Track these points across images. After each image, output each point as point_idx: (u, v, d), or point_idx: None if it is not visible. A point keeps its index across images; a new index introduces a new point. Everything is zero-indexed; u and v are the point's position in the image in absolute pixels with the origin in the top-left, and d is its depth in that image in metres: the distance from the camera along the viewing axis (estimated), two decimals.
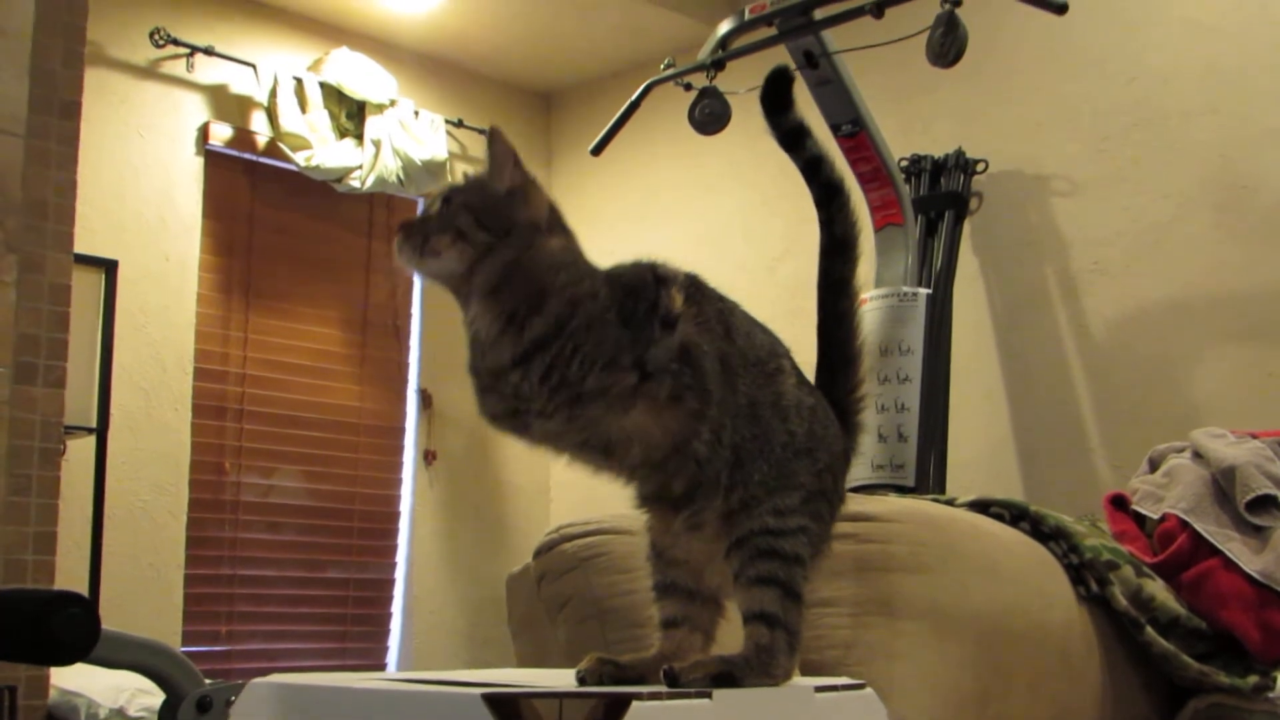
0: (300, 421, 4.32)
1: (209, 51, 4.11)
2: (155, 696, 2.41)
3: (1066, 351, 3.52)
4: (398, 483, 4.59)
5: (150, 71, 4.06)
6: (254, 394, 4.21)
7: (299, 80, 4.22)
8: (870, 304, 3.26)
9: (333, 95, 4.30)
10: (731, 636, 1.22)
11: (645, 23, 4.42)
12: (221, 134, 4.18)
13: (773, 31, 3.16)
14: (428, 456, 4.58)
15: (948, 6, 2.81)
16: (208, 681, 1.55)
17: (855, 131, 3.27)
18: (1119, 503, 2.48)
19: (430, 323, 4.64)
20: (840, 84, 3.20)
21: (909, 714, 1.68)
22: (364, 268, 4.55)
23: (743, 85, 3.13)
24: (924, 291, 3.28)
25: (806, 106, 3.13)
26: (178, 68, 4.09)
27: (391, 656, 4.52)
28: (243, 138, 4.23)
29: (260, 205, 4.31)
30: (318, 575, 4.35)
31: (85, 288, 3.49)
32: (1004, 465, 3.59)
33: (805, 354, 1.33)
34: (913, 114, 3.83)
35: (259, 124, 4.24)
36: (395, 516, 4.57)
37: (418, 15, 4.44)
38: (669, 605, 1.26)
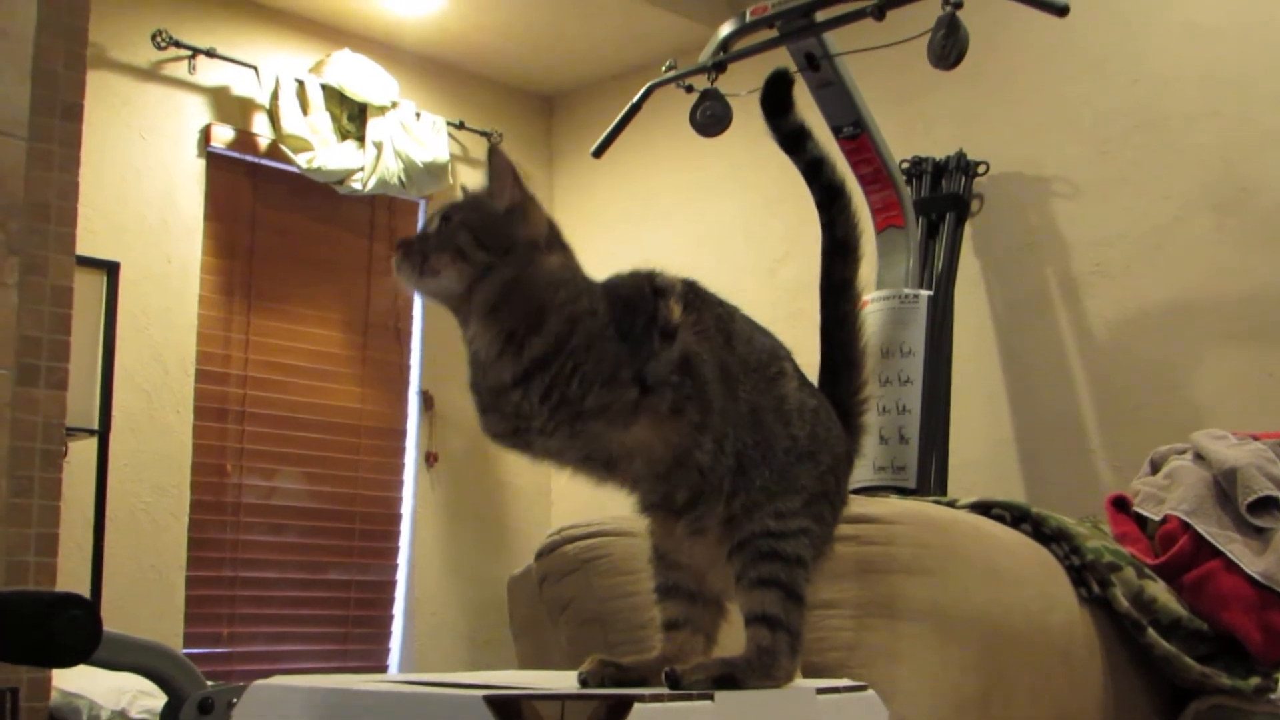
0: (302, 423, 4.32)
1: (211, 54, 4.12)
2: (157, 698, 2.41)
3: (1068, 353, 3.52)
4: (399, 484, 4.59)
5: (152, 74, 4.06)
6: (256, 396, 4.21)
7: (301, 82, 4.23)
8: (871, 306, 3.26)
9: (334, 97, 4.30)
10: (734, 639, 1.22)
11: (647, 25, 4.43)
12: (223, 136, 4.18)
13: (774, 33, 3.16)
14: (429, 458, 4.58)
15: (949, 9, 2.81)
16: (209, 683, 1.55)
17: (856, 133, 3.27)
18: (1120, 504, 2.48)
19: (431, 325, 4.64)
20: (841, 86, 3.20)
21: (911, 716, 1.68)
22: (365, 270, 4.55)
23: (744, 87, 3.13)
24: (925, 293, 3.28)
25: (808, 108, 3.13)
26: (179, 70, 4.10)
27: (393, 658, 4.52)
28: (244, 140, 4.23)
29: (262, 207, 4.31)
30: (319, 577, 4.35)
31: (87, 290, 3.49)
32: (1005, 467, 3.59)
33: (807, 356, 1.33)
34: (914, 116, 3.83)
35: (261, 126, 4.25)
36: (397, 518, 4.57)
37: (419, 17, 4.44)
38: (671, 607, 1.26)
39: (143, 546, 3.85)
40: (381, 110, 4.39)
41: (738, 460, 1.19)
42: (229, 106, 4.21)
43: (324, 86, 4.27)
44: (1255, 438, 2.50)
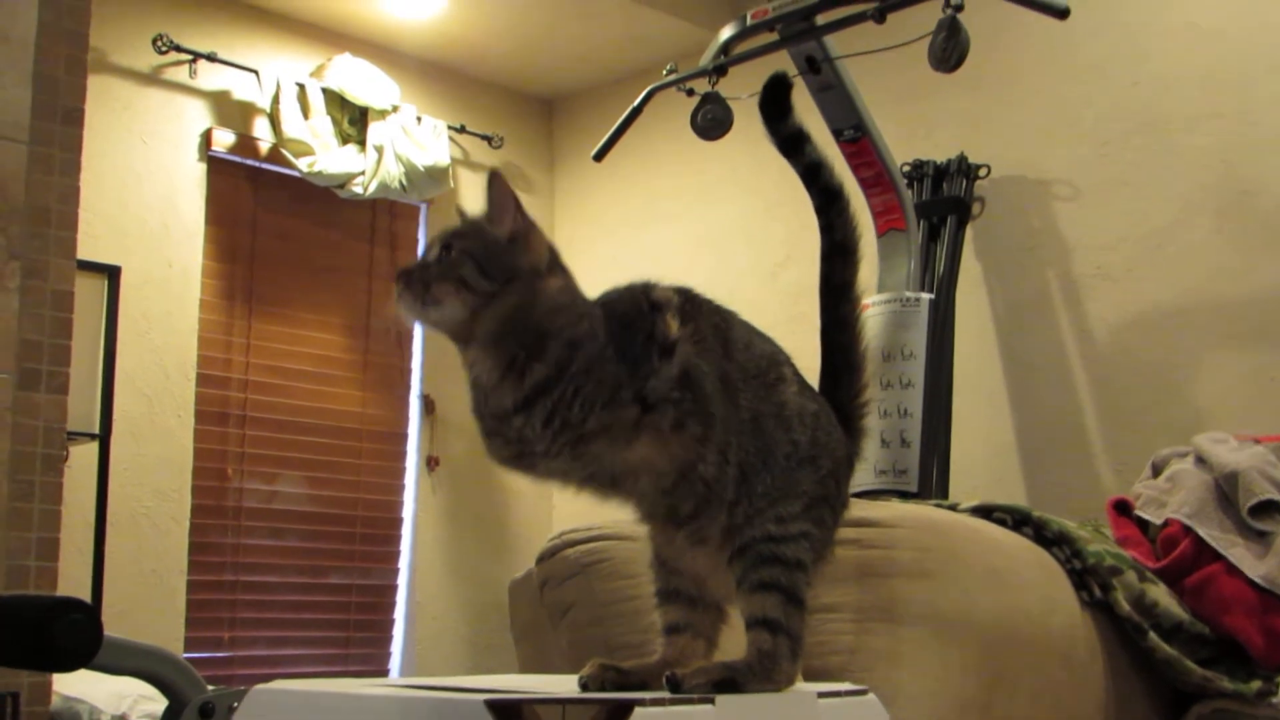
0: (303, 427, 4.32)
1: (212, 58, 4.12)
2: (158, 703, 2.41)
3: (1069, 356, 3.52)
4: (400, 488, 4.59)
5: (153, 78, 4.06)
6: (256, 400, 4.21)
7: (301, 86, 4.23)
8: (873, 309, 3.26)
9: (335, 101, 4.31)
10: (735, 643, 1.22)
11: (647, 28, 4.43)
12: (224, 140, 4.19)
13: (775, 37, 3.16)
14: (430, 462, 4.58)
15: (950, 11, 2.81)
16: (210, 688, 1.55)
17: (857, 137, 3.27)
18: (1122, 508, 2.48)
19: None
20: (842, 89, 3.20)
21: (912, 719, 1.68)
22: (366, 273, 4.55)
23: (745, 91, 3.13)
24: (926, 296, 3.28)
25: (809, 112, 3.13)
26: (180, 74, 4.10)
27: (394, 662, 4.51)
28: (245, 144, 4.24)
29: (263, 211, 4.31)
30: (320, 581, 4.35)
31: (88, 294, 3.48)
32: (1007, 470, 3.58)
33: (808, 360, 1.33)
34: (915, 119, 3.83)
35: (262, 130, 4.25)
36: (398, 522, 4.57)
37: (420, 21, 4.44)
38: (671, 611, 1.26)
39: (144, 551, 3.85)
40: (382, 114, 4.39)
41: (740, 468, 1.19)
42: (230, 111, 4.22)
43: (325, 90, 4.28)
44: (1257, 441, 2.50)
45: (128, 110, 3.99)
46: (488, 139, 4.81)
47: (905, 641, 1.73)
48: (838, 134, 3.26)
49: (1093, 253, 3.51)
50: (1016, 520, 2.21)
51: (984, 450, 3.60)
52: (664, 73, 3.44)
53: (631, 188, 4.74)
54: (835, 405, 1.31)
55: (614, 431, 1.16)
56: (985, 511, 2.23)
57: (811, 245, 1.36)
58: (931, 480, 3.18)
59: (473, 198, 4.75)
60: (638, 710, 0.99)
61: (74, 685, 2.93)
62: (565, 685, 1.19)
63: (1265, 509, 2.29)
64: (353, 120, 4.35)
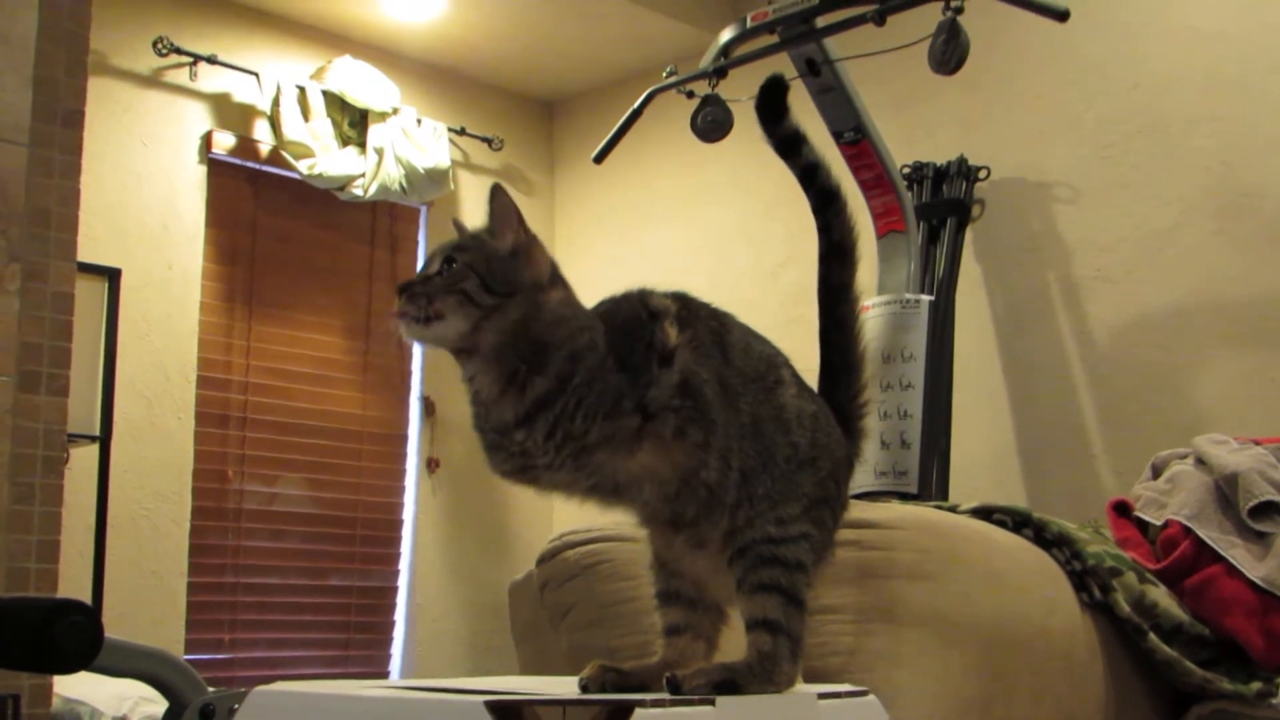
0: (303, 429, 4.32)
1: (212, 60, 4.12)
2: (158, 704, 2.41)
3: (1069, 358, 3.52)
4: (400, 490, 4.59)
5: (153, 80, 4.07)
6: (257, 402, 4.21)
7: (302, 89, 4.23)
8: (873, 311, 3.26)
9: (335, 103, 4.31)
10: (735, 644, 1.22)
11: (647, 31, 4.43)
12: (224, 142, 4.19)
13: (775, 39, 3.16)
14: (430, 464, 4.58)
15: (949, 14, 2.81)
16: (211, 689, 1.55)
17: (857, 139, 3.27)
18: (1122, 509, 2.48)
19: None
20: (842, 91, 3.20)
21: None
22: (367, 275, 4.55)
23: (745, 93, 3.11)
24: (926, 298, 3.28)
25: (809, 114, 3.14)
26: (181, 76, 4.10)
27: (394, 664, 4.51)
28: (246, 146, 4.24)
29: (263, 213, 4.31)
30: (321, 583, 4.35)
31: (88, 296, 3.49)
32: (1007, 472, 3.59)
33: (808, 361, 1.33)
34: (915, 121, 3.83)
35: (262, 132, 4.25)
36: (398, 524, 4.57)
37: (420, 23, 4.45)
38: (672, 613, 1.27)
39: (144, 552, 3.85)
40: (383, 116, 4.39)
41: (741, 472, 1.19)
42: (230, 113, 4.22)
43: (325, 93, 4.28)
44: (1256, 442, 2.50)
45: (128, 113, 3.99)
46: (488, 141, 4.81)
47: (905, 643, 1.73)
48: (838, 136, 3.27)
49: (1093, 254, 3.51)
50: (1017, 522, 2.21)
51: (984, 452, 3.60)
52: (664, 75, 3.44)
53: (632, 189, 4.74)
54: (834, 406, 1.31)
55: (616, 441, 1.16)
56: (985, 513, 2.23)
57: (811, 246, 1.36)
58: (931, 482, 3.18)
59: (473, 200, 4.76)
60: (638, 711, 0.99)
61: (75, 687, 2.93)
62: (565, 687, 1.19)
63: (1265, 510, 2.29)
64: (353, 122, 4.35)
